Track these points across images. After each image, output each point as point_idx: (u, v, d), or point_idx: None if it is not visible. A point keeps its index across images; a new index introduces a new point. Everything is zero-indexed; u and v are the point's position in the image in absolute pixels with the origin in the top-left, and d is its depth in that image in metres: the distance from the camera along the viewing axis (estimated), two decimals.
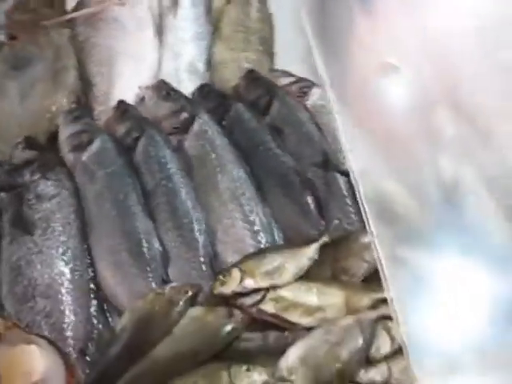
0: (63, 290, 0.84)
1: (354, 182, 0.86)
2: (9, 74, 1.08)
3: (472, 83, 0.96)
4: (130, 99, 1.05)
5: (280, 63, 1.14)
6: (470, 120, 0.95)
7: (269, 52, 1.13)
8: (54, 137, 1.02)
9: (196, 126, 0.95)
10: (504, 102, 0.94)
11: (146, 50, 1.11)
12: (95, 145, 0.95)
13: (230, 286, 0.80)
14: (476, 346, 0.75)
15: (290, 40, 1.17)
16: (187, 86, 1.07)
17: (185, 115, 0.97)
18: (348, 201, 0.90)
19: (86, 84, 1.08)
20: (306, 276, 0.83)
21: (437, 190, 0.90)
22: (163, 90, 1.01)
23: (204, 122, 0.95)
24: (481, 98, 0.95)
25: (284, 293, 0.81)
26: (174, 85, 1.05)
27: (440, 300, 0.79)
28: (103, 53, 1.10)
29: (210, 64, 1.11)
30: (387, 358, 0.77)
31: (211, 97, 1.02)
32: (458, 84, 0.97)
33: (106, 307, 0.86)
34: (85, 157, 0.94)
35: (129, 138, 0.96)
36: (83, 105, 1.06)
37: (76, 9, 1.18)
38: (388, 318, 0.78)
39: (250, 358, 0.77)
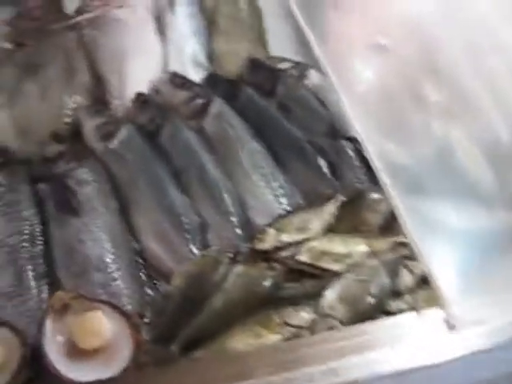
0: (114, 263, 0.93)
1: (362, 143, 0.98)
2: (24, 77, 1.15)
3: (447, 50, 1.10)
4: (142, 90, 1.14)
5: (272, 51, 1.25)
6: (450, 85, 1.09)
7: (262, 41, 1.24)
8: (75, 131, 1.11)
9: (213, 110, 1.05)
10: (476, 65, 1.09)
11: (149, 46, 1.21)
12: (122, 133, 1.04)
13: (269, 242, 0.91)
14: (481, 268, 0.89)
15: (278, 29, 1.30)
16: (194, 78, 1.17)
17: (201, 101, 1.07)
18: (356, 163, 1.02)
19: (98, 81, 1.17)
20: (331, 230, 0.95)
21: (430, 147, 1.04)
22: (177, 80, 1.11)
23: (219, 105, 1.06)
24: (456, 63, 1.10)
25: (315, 244, 0.92)
26: None
27: (447, 236, 0.92)
28: (111, 52, 1.20)
29: (211, 57, 1.22)
30: (410, 290, 0.90)
31: (220, 84, 1.12)
32: (436, 53, 1.12)
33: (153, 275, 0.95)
34: (114, 144, 1.03)
35: (152, 125, 1.05)
36: (99, 100, 1.15)
37: (78, 13, 1.27)
38: (407, 257, 0.91)
39: (292, 303, 0.88)
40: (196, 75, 1.18)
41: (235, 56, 1.20)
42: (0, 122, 1.12)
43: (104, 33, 1.21)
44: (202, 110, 1.06)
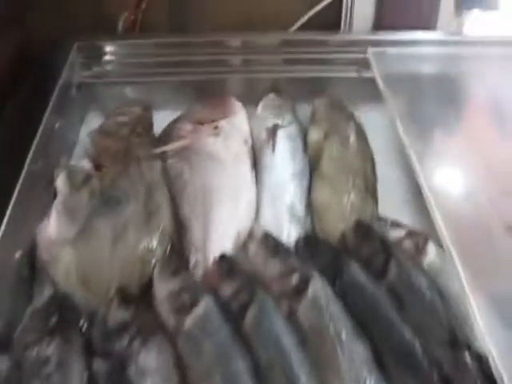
0: None
1: (492, 363, 0.78)
2: (99, 211, 1.01)
3: None
4: (228, 245, 0.98)
5: (382, 204, 1.07)
6: None
7: (371, 192, 1.06)
8: (147, 288, 0.95)
9: (310, 292, 0.87)
10: None
11: (242, 188, 1.05)
12: (200, 308, 0.87)
13: None
14: None
15: (390, 178, 1.12)
16: (288, 233, 1.00)
17: (297, 278, 0.89)
18: None
19: (178, 225, 1.01)
20: None
21: None
22: (270, 244, 0.93)
23: (319, 287, 0.88)
24: None
25: None
26: (274, 230, 0.99)
27: None
28: (197, 191, 1.03)
29: (309, 206, 1.05)
30: None
31: (319, 252, 0.94)
32: None
33: None
34: (189, 321, 0.86)
35: (236, 302, 0.88)
36: (177, 251, 0.99)
37: (164, 138, 1.13)
38: None
39: None
40: (292, 230, 1.01)
41: (338, 211, 1.03)
42: (64, 262, 0.96)
43: (191, 166, 1.06)
44: (298, 292, 0.88)
